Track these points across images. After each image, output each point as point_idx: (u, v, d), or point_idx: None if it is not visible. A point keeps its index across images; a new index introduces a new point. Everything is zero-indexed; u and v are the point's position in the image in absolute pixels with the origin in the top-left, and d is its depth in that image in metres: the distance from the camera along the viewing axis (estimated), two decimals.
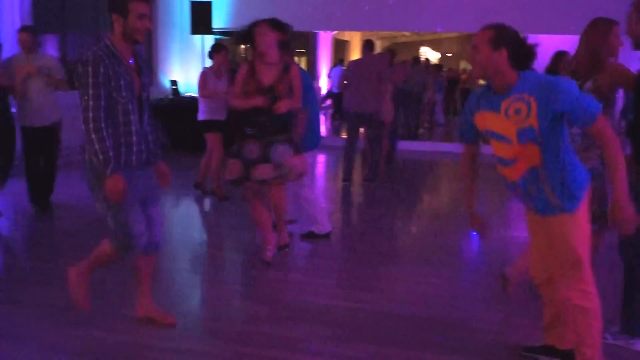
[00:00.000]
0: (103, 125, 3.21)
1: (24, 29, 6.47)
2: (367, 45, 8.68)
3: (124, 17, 3.33)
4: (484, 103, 3.02)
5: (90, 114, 3.20)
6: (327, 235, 5.80)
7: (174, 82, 12.24)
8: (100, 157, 3.20)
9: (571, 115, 2.81)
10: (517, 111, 2.86)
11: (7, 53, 6.85)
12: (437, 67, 17.61)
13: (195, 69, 12.68)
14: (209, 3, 11.81)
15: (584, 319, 3.05)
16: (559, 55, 5.44)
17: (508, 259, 5.31)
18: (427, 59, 18.00)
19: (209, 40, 12.43)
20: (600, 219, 3.71)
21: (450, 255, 5.52)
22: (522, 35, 2.92)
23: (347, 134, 8.86)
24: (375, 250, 5.56)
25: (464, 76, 20.50)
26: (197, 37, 12.26)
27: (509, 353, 3.57)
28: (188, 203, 7.46)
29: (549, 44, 6.99)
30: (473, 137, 3.24)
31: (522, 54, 2.88)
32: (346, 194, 8.22)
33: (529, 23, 11.42)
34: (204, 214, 7.13)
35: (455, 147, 12.26)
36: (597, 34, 3.70)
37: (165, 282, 4.62)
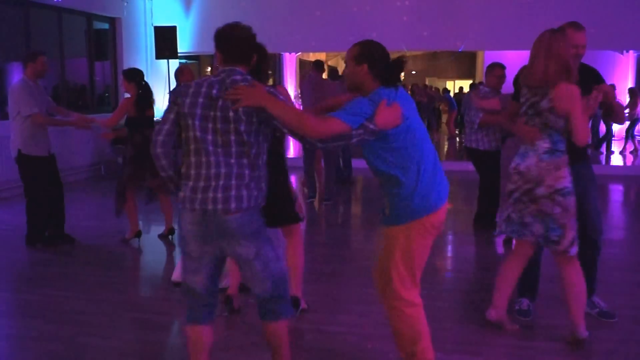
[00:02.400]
0: None
1: (43, 53, 6.25)
2: (317, 66, 8.89)
3: None
4: None
5: None
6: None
7: None
8: None
9: None
10: None
11: None
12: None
13: (161, 93, 12.62)
14: (174, 28, 11.79)
15: (397, 329, 3.27)
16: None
17: (481, 282, 5.37)
18: None
19: (174, 64, 12.40)
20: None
21: (433, 274, 5.43)
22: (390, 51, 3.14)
23: (304, 153, 8.82)
24: (343, 271, 5.53)
25: (431, 93, 20.69)
26: (162, 61, 12.21)
27: None
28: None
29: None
30: None
31: (383, 68, 3.05)
32: (310, 211, 8.19)
33: (493, 38, 11.72)
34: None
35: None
36: (560, 42, 3.65)
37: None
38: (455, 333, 4.15)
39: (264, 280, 2.94)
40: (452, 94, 22.98)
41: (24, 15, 9.78)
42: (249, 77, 2.94)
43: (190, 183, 2.88)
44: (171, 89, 2.97)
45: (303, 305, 4.46)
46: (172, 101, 2.98)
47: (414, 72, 25.58)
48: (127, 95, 6.42)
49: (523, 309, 4.35)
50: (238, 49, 2.96)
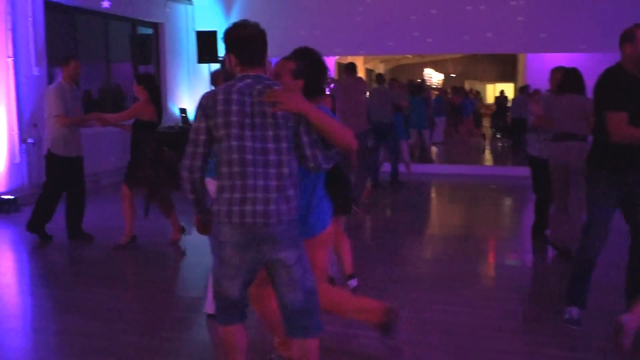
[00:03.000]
0: None
1: (75, 57, 6.58)
2: (349, 69, 8.88)
3: None
4: None
5: None
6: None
7: (183, 110, 12.37)
8: None
9: None
10: None
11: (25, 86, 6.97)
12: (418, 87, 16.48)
13: None
14: (214, 32, 11.98)
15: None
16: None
17: (521, 286, 5.35)
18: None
19: (215, 68, 12.58)
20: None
21: (465, 281, 5.44)
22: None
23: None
24: (387, 277, 5.55)
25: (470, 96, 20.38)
26: (204, 65, 12.42)
27: None
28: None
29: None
30: None
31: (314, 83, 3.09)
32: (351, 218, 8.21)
33: (530, 41, 11.59)
34: None
35: (454, 169, 12.33)
36: None
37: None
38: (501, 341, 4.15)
39: (298, 290, 2.86)
40: (493, 98, 22.70)
41: (72, 21, 10.08)
42: (277, 82, 2.92)
43: (226, 195, 2.78)
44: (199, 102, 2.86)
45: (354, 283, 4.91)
46: (201, 116, 2.82)
47: (453, 75, 25.40)
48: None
49: (574, 318, 4.24)
50: (259, 50, 2.88)
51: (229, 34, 2.90)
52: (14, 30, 8.55)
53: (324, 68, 3.19)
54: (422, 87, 15.29)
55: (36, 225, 6.61)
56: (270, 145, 2.77)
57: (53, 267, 6.08)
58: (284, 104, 2.69)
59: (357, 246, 6.87)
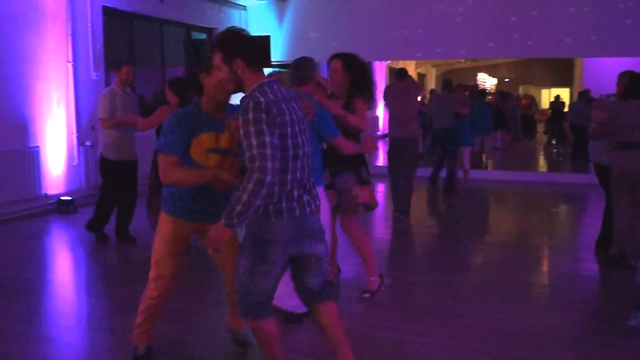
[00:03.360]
0: None
1: (127, 62, 6.66)
2: (400, 74, 8.68)
3: None
4: None
5: None
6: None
7: None
8: None
9: None
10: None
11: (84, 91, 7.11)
12: (481, 92, 16.35)
13: None
14: (268, 37, 12.05)
15: None
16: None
17: (577, 295, 5.19)
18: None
19: (268, 73, 12.66)
20: None
21: (520, 290, 5.31)
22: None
23: (389, 162, 8.34)
24: (438, 284, 5.44)
25: (524, 102, 19.85)
26: None
27: None
28: None
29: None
30: None
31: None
32: (402, 224, 8.02)
33: (591, 45, 11.29)
34: None
35: (516, 175, 12.07)
36: None
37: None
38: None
39: (322, 275, 3.20)
40: (548, 103, 22.18)
41: (128, 26, 10.28)
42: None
43: (288, 188, 2.89)
44: (254, 105, 2.77)
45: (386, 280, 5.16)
46: (267, 116, 2.77)
47: (507, 80, 24.97)
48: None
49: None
50: (266, 55, 3.08)
51: (235, 39, 2.94)
52: (73, 35, 8.76)
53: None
54: (486, 92, 15.08)
55: (94, 226, 6.72)
56: (307, 140, 3.03)
57: (109, 266, 6.17)
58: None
59: (409, 252, 6.81)
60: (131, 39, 10.36)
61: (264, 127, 2.75)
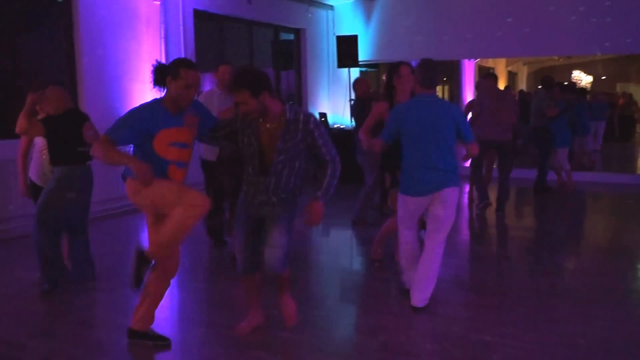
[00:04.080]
0: None
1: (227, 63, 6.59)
2: (491, 77, 8.75)
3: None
4: None
5: None
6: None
7: (323, 115, 12.52)
8: None
9: None
10: None
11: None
12: (581, 91, 15.42)
13: (341, 101, 12.94)
14: (355, 37, 12.03)
15: None
16: None
17: None
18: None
19: (355, 72, 12.65)
20: None
21: (624, 296, 5.08)
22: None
23: (477, 161, 8.53)
24: (541, 288, 5.24)
25: (621, 101, 18.75)
26: (344, 70, 12.51)
27: None
28: (340, 231, 7.52)
29: None
30: None
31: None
32: (498, 222, 7.92)
33: None
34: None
35: (612, 178, 11.52)
36: None
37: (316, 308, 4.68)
38: None
39: None
40: None
41: (219, 28, 10.53)
42: None
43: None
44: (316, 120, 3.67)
45: None
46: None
47: (603, 78, 23.90)
48: None
49: None
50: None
51: (259, 77, 3.60)
52: (166, 38, 9.05)
53: None
54: (586, 91, 14.48)
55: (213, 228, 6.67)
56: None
57: (202, 262, 6.30)
58: None
59: (502, 255, 6.62)
60: (221, 41, 10.61)
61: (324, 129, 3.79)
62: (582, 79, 21.99)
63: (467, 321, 4.47)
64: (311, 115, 3.78)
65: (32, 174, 5.37)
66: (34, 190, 5.36)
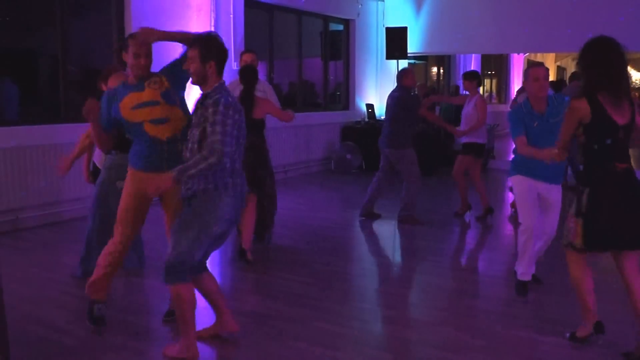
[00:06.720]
0: None
1: (251, 51, 6.52)
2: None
3: None
4: None
5: None
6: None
7: (369, 106, 12.44)
8: None
9: None
10: None
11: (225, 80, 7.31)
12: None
13: (388, 93, 12.83)
14: (404, 29, 11.89)
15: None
16: None
17: None
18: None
19: (403, 64, 12.52)
20: None
21: None
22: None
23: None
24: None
25: None
26: (392, 61, 12.39)
27: None
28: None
29: None
30: None
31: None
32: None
33: None
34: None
35: None
36: None
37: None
38: None
39: None
40: None
41: (269, 17, 10.53)
42: None
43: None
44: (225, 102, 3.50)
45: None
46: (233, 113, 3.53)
47: None
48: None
49: None
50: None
51: (215, 44, 3.64)
52: (216, 27, 9.08)
53: None
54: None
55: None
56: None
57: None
58: None
59: (548, 252, 6.46)
60: (270, 30, 10.61)
61: (229, 120, 3.46)
62: (632, 75, 21.37)
63: (512, 317, 4.41)
64: (219, 104, 3.48)
65: (96, 159, 5.39)
66: (96, 175, 5.35)
